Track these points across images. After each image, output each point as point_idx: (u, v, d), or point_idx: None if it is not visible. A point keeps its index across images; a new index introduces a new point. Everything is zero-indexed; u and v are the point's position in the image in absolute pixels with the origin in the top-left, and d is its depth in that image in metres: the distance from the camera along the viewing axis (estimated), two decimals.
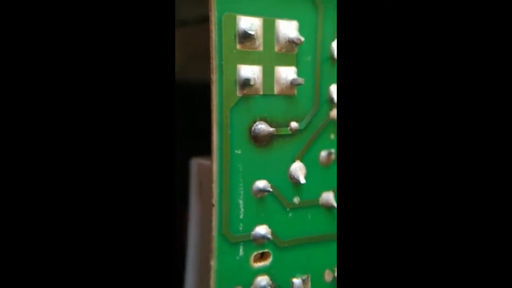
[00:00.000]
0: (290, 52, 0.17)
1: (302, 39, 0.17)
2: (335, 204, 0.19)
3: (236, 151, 0.17)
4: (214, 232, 0.16)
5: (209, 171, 0.18)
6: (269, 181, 0.18)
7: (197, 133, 0.22)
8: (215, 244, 0.16)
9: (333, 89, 0.19)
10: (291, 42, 0.17)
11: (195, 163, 0.20)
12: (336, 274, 0.19)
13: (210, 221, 0.17)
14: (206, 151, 0.20)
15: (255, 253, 0.17)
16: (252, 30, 0.16)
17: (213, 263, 0.16)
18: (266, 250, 0.18)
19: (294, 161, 0.18)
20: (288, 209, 0.18)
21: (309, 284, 0.19)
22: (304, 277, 0.18)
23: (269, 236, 0.17)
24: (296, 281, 0.18)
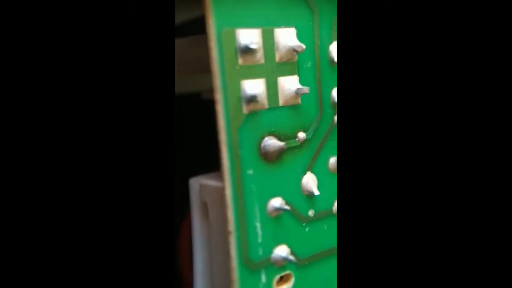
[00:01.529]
0: (290, 60, 0.16)
1: (304, 46, 0.16)
2: None
3: (248, 172, 0.16)
4: (234, 262, 0.15)
5: (216, 193, 0.17)
6: (283, 197, 0.17)
7: (194, 151, 0.21)
8: (236, 275, 0.15)
9: (336, 92, 0.18)
10: (292, 51, 0.16)
11: (196, 183, 0.19)
12: None
13: (226, 248, 0.16)
14: (205, 170, 0.19)
15: (277, 276, 0.16)
16: (254, 44, 0.15)
17: None
18: (287, 272, 0.17)
19: (305, 172, 0.17)
20: (304, 224, 0.17)
21: None
22: None
23: (291, 257, 0.16)
24: None
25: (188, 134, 0.22)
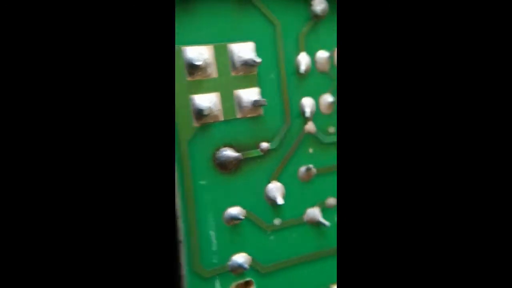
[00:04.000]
0: (249, 74, 0.17)
1: (258, 60, 0.16)
2: (322, 220, 0.18)
3: (201, 182, 0.16)
4: (184, 270, 0.16)
5: None
6: (244, 206, 0.17)
7: None
8: (185, 282, 0.16)
9: (305, 102, 0.18)
10: (249, 64, 0.16)
11: None
12: None
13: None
14: None
15: (235, 284, 0.17)
16: (199, 61, 0.15)
17: None
18: (248, 279, 0.17)
19: (270, 182, 0.18)
20: (268, 232, 0.18)
21: None
22: None
23: (246, 265, 0.16)
24: None
25: None
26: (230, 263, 0.17)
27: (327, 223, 0.18)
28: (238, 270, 0.17)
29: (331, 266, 0.19)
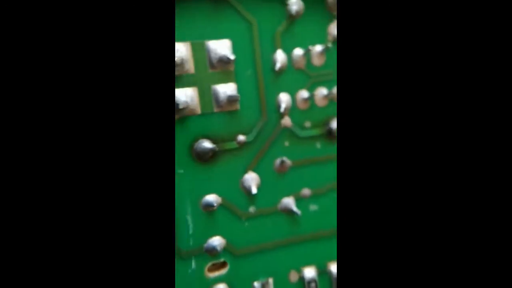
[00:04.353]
0: (226, 70, 0.18)
1: (233, 57, 0.18)
2: (294, 208, 0.19)
3: (179, 171, 0.18)
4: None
5: None
6: (220, 194, 0.18)
7: None
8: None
9: (282, 97, 0.19)
10: (223, 61, 0.18)
11: None
12: (302, 274, 0.20)
13: None
14: None
15: (211, 263, 0.18)
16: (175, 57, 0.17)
17: None
18: (222, 260, 0.19)
19: (246, 172, 0.19)
20: (243, 219, 0.19)
21: (271, 286, 0.19)
22: (264, 280, 0.19)
23: (219, 248, 0.18)
24: (256, 284, 0.19)
25: None
26: (206, 245, 0.18)
27: (298, 211, 0.19)
28: (213, 252, 0.18)
29: (301, 251, 0.20)
